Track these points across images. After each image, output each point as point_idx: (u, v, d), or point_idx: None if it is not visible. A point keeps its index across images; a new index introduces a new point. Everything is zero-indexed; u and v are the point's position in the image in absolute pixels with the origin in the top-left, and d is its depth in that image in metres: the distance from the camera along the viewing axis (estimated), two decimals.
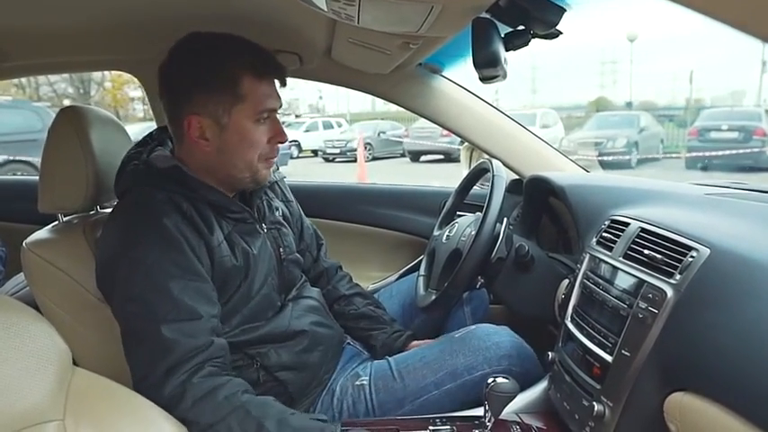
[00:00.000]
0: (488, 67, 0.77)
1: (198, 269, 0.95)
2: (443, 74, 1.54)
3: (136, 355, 0.91)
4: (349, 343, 1.28)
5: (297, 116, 19.92)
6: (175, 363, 0.88)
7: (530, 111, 15.13)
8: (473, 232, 1.15)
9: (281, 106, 1.05)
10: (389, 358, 1.16)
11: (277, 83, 1.04)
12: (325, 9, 0.84)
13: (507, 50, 0.84)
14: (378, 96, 1.63)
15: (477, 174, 1.38)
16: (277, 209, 1.21)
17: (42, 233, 1.06)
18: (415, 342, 1.28)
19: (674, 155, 11.38)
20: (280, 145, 1.06)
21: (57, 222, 1.10)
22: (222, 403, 0.87)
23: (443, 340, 1.17)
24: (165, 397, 0.86)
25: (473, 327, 1.18)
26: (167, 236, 0.93)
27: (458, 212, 1.46)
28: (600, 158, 10.17)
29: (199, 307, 0.92)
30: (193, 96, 0.98)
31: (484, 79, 0.84)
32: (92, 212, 1.16)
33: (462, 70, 1.52)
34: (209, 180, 1.03)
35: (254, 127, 1.00)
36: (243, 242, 1.04)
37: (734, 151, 8.99)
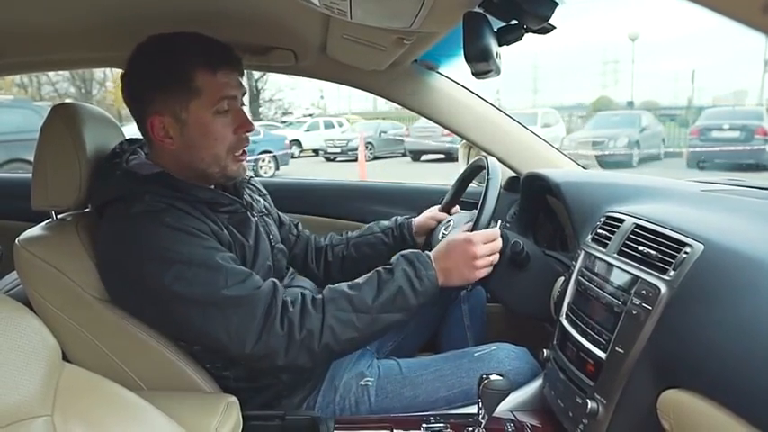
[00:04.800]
0: (480, 61, 0.76)
1: (220, 246, 0.98)
2: (440, 71, 1.53)
3: (219, 332, 0.93)
4: None
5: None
6: (265, 309, 0.93)
7: (531, 110, 15.14)
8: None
9: (244, 93, 1.06)
10: (399, 360, 1.16)
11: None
12: (318, 4, 0.83)
13: (500, 45, 0.83)
14: (374, 93, 1.63)
15: (473, 171, 1.37)
16: (258, 201, 1.23)
17: (35, 231, 1.06)
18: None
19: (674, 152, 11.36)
20: (250, 135, 1.07)
21: (50, 220, 1.10)
22: (317, 306, 0.96)
23: (461, 355, 1.16)
24: (279, 336, 0.93)
25: (494, 347, 1.17)
26: (181, 228, 0.95)
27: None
28: (600, 157, 10.16)
29: (243, 268, 0.97)
30: (151, 97, 0.99)
31: (476, 74, 0.83)
32: (85, 210, 1.15)
33: (460, 68, 1.51)
34: (191, 179, 1.04)
35: (214, 119, 1.00)
36: (239, 235, 1.05)
37: (735, 147, 8.95)
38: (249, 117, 1.06)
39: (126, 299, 0.99)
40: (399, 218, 1.40)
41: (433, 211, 1.40)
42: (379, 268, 1.03)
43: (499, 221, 1.13)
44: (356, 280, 1.02)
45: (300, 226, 1.43)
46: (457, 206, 1.42)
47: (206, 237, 0.97)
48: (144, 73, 1.01)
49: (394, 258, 1.04)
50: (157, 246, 0.93)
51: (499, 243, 1.08)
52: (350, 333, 0.97)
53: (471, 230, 1.10)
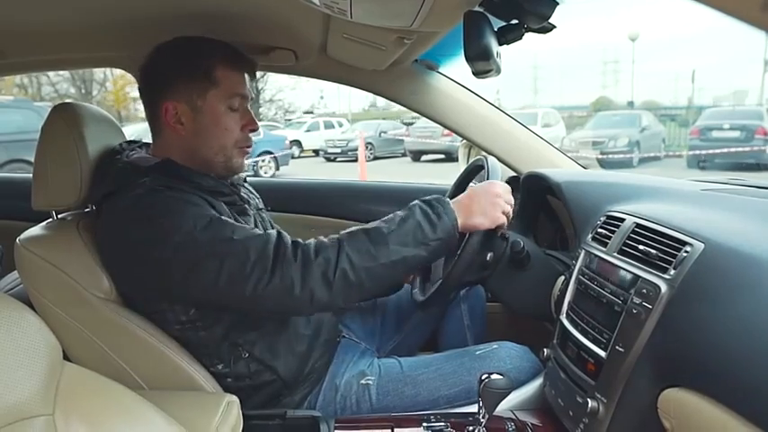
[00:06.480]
0: (480, 61, 0.76)
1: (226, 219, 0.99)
2: (440, 70, 1.53)
3: (237, 272, 0.92)
4: (353, 340, 1.27)
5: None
6: (275, 245, 0.94)
7: (531, 110, 15.16)
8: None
9: (252, 98, 1.12)
10: (400, 359, 1.16)
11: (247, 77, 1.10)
12: (318, 4, 0.83)
13: (501, 44, 0.83)
14: (374, 93, 1.63)
15: (473, 171, 1.37)
16: (254, 199, 1.24)
17: (36, 230, 1.06)
18: None
19: (675, 153, 11.37)
20: (253, 135, 1.11)
21: (50, 219, 1.10)
22: (332, 240, 0.96)
23: (462, 353, 1.16)
24: (293, 264, 0.92)
25: (495, 345, 1.17)
26: (185, 201, 0.96)
27: None
28: (601, 158, 10.16)
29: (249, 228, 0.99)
30: (170, 84, 1.04)
31: (477, 73, 0.83)
32: (86, 209, 1.16)
33: (460, 68, 1.51)
34: (195, 167, 1.06)
35: (227, 112, 1.06)
36: (241, 221, 1.06)
37: (735, 149, 8.97)
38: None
39: (134, 283, 0.99)
40: None
41: None
42: (397, 211, 1.02)
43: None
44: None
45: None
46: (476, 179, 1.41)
47: (207, 207, 0.99)
48: (166, 61, 1.06)
49: (411, 203, 1.03)
50: (161, 215, 0.94)
51: (512, 197, 1.07)
52: (367, 262, 0.95)
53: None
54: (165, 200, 0.96)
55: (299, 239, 0.98)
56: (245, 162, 1.14)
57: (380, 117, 18.78)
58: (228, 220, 0.98)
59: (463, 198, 1.04)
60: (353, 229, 1.00)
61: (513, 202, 1.08)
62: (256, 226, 1.12)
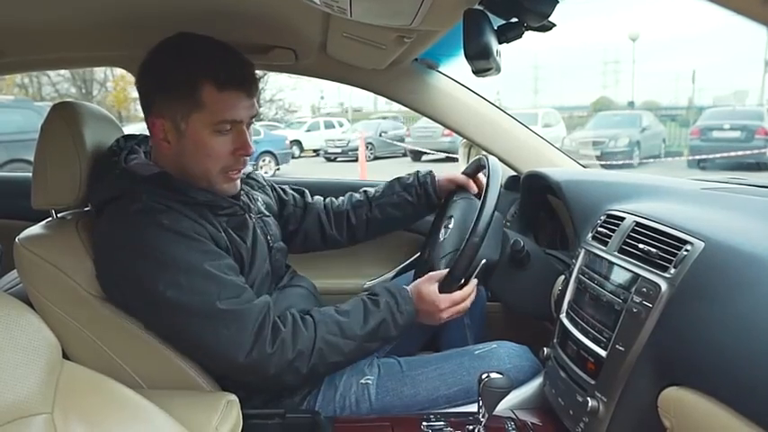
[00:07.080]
0: (480, 59, 0.76)
1: (218, 250, 0.99)
2: (440, 69, 1.53)
3: (209, 343, 0.95)
4: None
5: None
6: (257, 327, 0.95)
7: (532, 110, 15.16)
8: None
9: (254, 116, 1.04)
10: (400, 359, 1.16)
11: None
12: (318, 2, 0.83)
13: (500, 43, 0.83)
14: (374, 92, 1.63)
15: (474, 170, 1.37)
16: (257, 199, 1.22)
17: (35, 229, 1.06)
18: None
19: (675, 156, 11.38)
20: (247, 158, 1.05)
21: (50, 219, 1.10)
22: (308, 326, 0.99)
23: (462, 353, 1.16)
24: (269, 354, 0.95)
25: (494, 345, 1.17)
26: (178, 231, 0.95)
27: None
28: (601, 158, 10.15)
29: (238, 280, 0.99)
30: (156, 99, 1.00)
31: (477, 72, 0.83)
32: (85, 209, 1.15)
33: (460, 67, 1.51)
34: (190, 180, 1.03)
35: (212, 137, 0.99)
36: (237, 238, 1.05)
37: (736, 153, 8.98)
38: (251, 140, 1.04)
39: (120, 297, 0.99)
40: (421, 172, 1.40)
41: (453, 174, 1.40)
42: (364, 297, 1.07)
43: (483, 261, 1.11)
44: (342, 306, 1.05)
45: (309, 195, 1.41)
46: (482, 173, 1.39)
47: (203, 240, 0.97)
48: (154, 72, 1.01)
49: (378, 289, 1.09)
50: (153, 247, 0.94)
51: (467, 304, 1.10)
52: (336, 357, 1.00)
53: (471, 229, 1.08)
54: (158, 229, 0.94)
55: (278, 319, 0.99)
56: (237, 183, 1.08)
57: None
58: (220, 273, 0.95)
59: (414, 299, 1.07)
60: (326, 314, 1.03)
61: (465, 308, 1.10)
62: (255, 236, 1.10)
